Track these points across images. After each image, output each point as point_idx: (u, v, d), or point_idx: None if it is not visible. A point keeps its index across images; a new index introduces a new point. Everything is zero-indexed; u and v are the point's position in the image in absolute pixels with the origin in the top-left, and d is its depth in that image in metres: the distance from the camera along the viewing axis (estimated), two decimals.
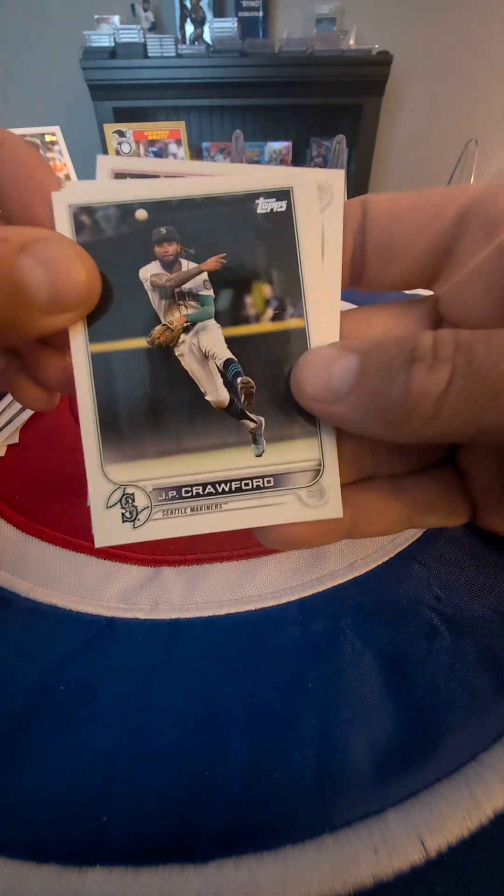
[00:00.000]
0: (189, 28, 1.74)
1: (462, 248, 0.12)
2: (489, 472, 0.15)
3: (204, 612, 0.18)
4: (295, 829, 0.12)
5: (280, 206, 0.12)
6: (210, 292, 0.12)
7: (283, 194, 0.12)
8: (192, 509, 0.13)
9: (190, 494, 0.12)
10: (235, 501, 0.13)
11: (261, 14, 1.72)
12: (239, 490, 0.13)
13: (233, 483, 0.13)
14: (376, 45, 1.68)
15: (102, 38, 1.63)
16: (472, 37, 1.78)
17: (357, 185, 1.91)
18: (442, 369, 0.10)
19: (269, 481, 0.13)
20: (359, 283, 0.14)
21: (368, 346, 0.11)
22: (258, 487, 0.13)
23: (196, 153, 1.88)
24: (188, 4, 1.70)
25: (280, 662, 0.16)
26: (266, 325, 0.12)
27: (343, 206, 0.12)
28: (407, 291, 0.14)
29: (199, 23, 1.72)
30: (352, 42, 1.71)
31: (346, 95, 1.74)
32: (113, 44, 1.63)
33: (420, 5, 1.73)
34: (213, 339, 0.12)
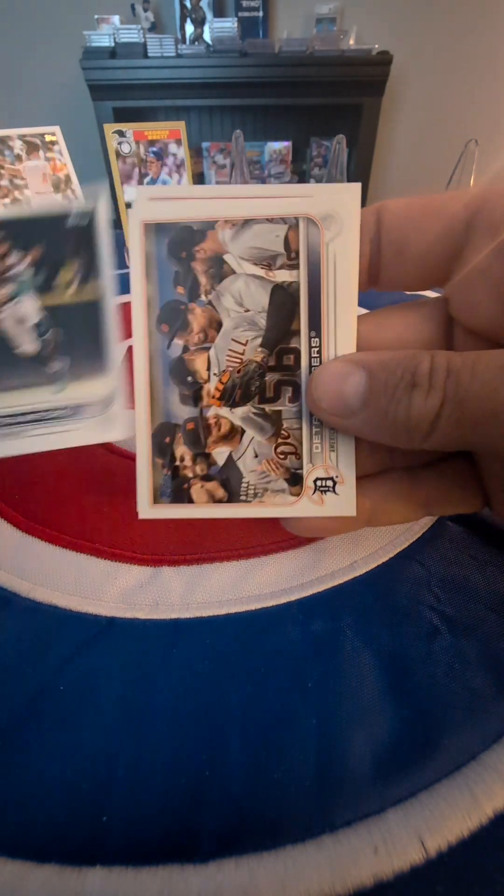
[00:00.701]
0: (189, 28, 1.74)
1: (471, 250, 0.13)
2: (500, 464, 0.15)
3: (204, 612, 0.18)
4: (295, 828, 0.12)
5: (84, 220, 0.17)
6: (30, 273, 0.17)
7: (86, 215, 0.17)
8: (4, 436, 0.17)
9: (3, 424, 0.17)
10: (39, 429, 0.17)
11: (261, 14, 1.72)
12: (41, 420, 0.17)
13: (36, 414, 0.17)
14: (376, 45, 1.68)
15: (102, 38, 1.63)
16: (472, 37, 1.78)
17: None
18: (435, 396, 0.11)
19: (67, 412, 0.17)
20: (376, 284, 0.15)
21: (375, 364, 0.12)
22: (58, 418, 0.17)
23: (196, 153, 1.88)
24: (188, 4, 1.70)
25: (280, 662, 0.16)
26: (71, 296, 0.18)
27: (358, 225, 0.13)
28: (425, 292, 0.15)
29: (199, 23, 1.72)
30: (352, 42, 1.71)
31: (346, 95, 1.74)
32: (113, 44, 1.63)
33: (420, 5, 1.73)
34: (30, 307, 0.17)
